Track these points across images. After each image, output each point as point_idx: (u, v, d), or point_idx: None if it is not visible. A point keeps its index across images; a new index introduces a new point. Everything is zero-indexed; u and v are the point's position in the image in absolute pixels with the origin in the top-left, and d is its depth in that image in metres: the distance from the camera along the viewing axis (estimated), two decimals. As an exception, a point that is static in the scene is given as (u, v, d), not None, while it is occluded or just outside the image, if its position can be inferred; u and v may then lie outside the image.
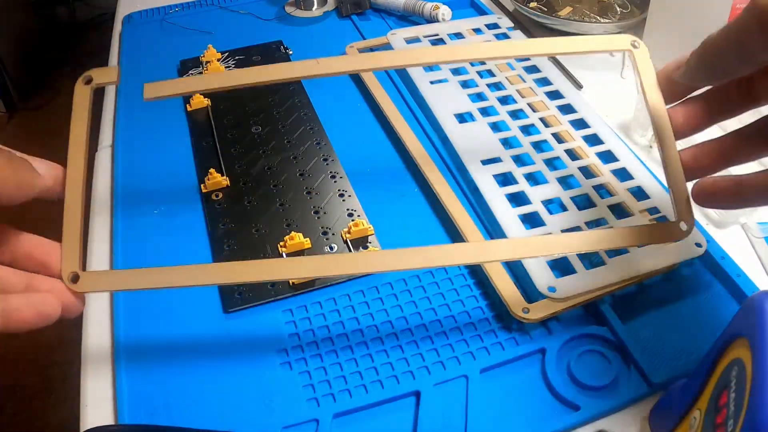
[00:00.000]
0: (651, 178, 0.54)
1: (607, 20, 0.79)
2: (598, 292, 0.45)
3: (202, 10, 0.86)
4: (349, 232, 0.51)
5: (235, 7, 0.86)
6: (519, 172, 0.55)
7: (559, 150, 0.57)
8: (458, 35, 0.74)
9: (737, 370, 0.30)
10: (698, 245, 0.47)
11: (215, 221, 0.54)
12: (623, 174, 0.55)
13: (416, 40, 0.73)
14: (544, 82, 0.66)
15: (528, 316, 0.44)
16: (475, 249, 0.39)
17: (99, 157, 0.64)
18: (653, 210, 0.51)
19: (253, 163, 0.60)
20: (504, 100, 0.64)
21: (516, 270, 0.48)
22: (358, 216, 0.54)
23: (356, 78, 0.71)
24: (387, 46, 0.73)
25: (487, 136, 0.59)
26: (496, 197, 0.52)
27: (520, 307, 0.44)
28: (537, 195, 0.53)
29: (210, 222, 0.54)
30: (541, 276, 0.46)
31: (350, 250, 0.50)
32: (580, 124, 0.60)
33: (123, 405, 0.41)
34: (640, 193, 0.53)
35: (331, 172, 0.58)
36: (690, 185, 0.41)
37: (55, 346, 1.30)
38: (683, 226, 0.41)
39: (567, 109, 0.62)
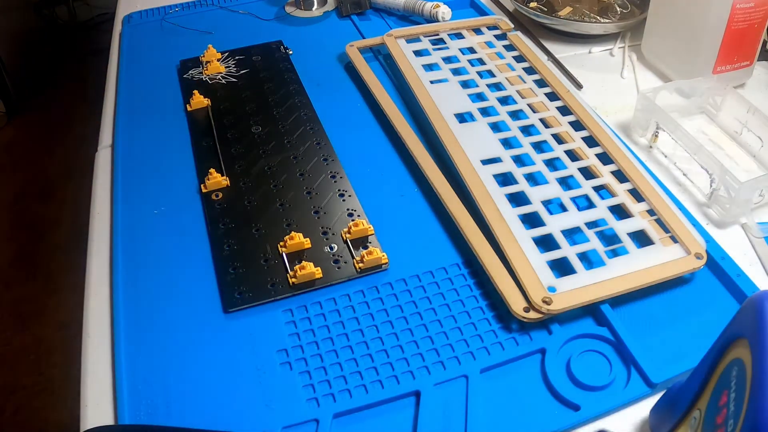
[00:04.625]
0: (651, 178, 0.54)
1: (607, 20, 0.79)
2: (605, 295, 0.45)
3: (202, 10, 0.86)
4: (349, 232, 0.51)
5: (235, 7, 0.86)
6: (519, 172, 0.55)
7: (558, 150, 0.57)
8: (458, 35, 0.74)
9: (737, 370, 0.30)
10: (698, 257, 0.47)
11: (215, 221, 0.54)
12: (623, 175, 0.55)
13: (416, 39, 0.73)
14: (544, 82, 0.66)
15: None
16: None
17: (99, 157, 0.64)
18: (652, 211, 0.51)
19: (253, 163, 0.59)
20: (504, 101, 0.64)
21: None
22: (358, 216, 0.54)
23: (356, 77, 0.71)
24: (384, 47, 0.73)
25: (487, 136, 0.59)
26: (496, 197, 0.52)
27: (520, 306, 0.44)
28: (537, 195, 0.53)
29: (210, 222, 0.54)
30: (542, 276, 0.46)
31: (350, 250, 0.50)
32: (579, 124, 0.60)
33: (123, 405, 0.41)
34: (640, 194, 0.53)
35: (331, 172, 0.58)
36: None
37: (55, 346, 1.30)
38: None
39: (567, 109, 0.62)
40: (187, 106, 0.67)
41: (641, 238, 0.50)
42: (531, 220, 0.51)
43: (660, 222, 0.51)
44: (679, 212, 0.51)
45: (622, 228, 0.50)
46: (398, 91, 0.68)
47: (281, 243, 0.51)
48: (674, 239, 0.49)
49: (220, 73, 0.72)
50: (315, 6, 0.85)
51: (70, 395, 1.23)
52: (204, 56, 0.74)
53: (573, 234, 0.50)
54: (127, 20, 0.85)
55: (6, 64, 1.98)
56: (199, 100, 0.67)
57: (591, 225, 0.50)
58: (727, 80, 0.65)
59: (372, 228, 0.52)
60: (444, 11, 0.78)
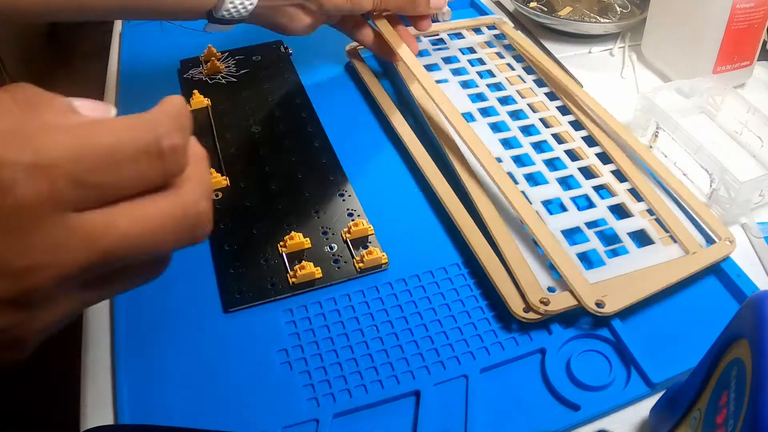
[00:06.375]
0: (651, 178, 0.54)
1: (607, 20, 0.79)
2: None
3: (202, 10, 0.86)
4: (349, 232, 0.51)
5: (235, 7, 0.86)
6: (519, 173, 0.55)
7: (558, 150, 0.57)
8: (458, 35, 0.74)
9: (737, 370, 0.30)
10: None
11: (215, 221, 0.53)
12: (623, 174, 0.55)
13: (416, 39, 0.73)
14: (544, 82, 0.66)
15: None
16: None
17: (99, 157, 0.64)
18: (652, 211, 0.51)
19: (253, 163, 0.59)
20: (504, 101, 0.64)
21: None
22: (358, 216, 0.54)
23: (356, 77, 0.71)
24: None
25: (487, 136, 0.59)
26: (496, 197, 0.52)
27: (520, 306, 0.44)
28: (537, 195, 0.53)
29: (210, 222, 0.53)
30: (540, 276, 0.46)
31: (350, 250, 0.50)
32: (579, 124, 0.60)
33: (123, 405, 0.41)
34: (639, 194, 0.53)
35: (331, 172, 0.58)
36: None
37: (55, 346, 1.30)
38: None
39: (566, 109, 0.62)
40: (187, 105, 0.67)
41: (641, 238, 0.50)
42: (531, 220, 0.51)
43: (659, 221, 0.51)
44: (679, 212, 0.51)
45: (623, 228, 0.50)
46: (399, 92, 0.68)
47: (281, 243, 0.51)
48: (673, 239, 0.49)
49: (220, 73, 0.72)
50: (315, 6, 0.85)
51: (70, 395, 1.23)
52: (204, 56, 0.74)
53: (573, 234, 0.50)
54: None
55: (6, 64, 1.98)
56: (199, 100, 0.67)
57: (591, 225, 0.50)
58: (727, 80, 0.65)
59: (372, 228, 0.52)
60: (444, 11, 0.78)
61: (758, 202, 0.54)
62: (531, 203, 0.52)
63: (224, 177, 0.57)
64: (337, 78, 0.72)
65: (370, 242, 0.51)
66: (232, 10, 0.56)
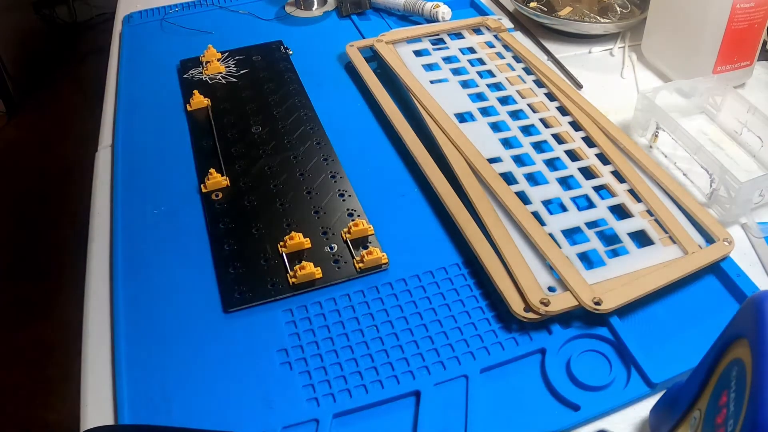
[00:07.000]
0: (650, 179, 0.54)
1: (607, 20, 0.79)
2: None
3: (202, 10, 0.86)
4: (349, 232, 0.51)
5: (235, 7, 0.86)
6: (519, 172, 0.55)
7: (558, 150, 0.57)
8: (458, 35, 0.74)
9: (737, 370, 0.30)
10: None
11: (215, 221, 0.54)
12: (622, 175, 0.55)
13: (416, 39, 0.73)
14: (544, 82, 0.66)
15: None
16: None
17: (99, 156, 0.64)
18: (651, 212, 0.51)
19: (253, 163, 0.59)
20: (504, 101, 0.64)
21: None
22: (358, 216, 0.54)
23: (356, 77, 0.71)
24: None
25: (487, 136, 0.59)
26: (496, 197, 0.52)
27: (521, 306, 0.44)
28: (537, 195, 0.53)
29: (210, 222, 0.54)
30: (540, 277, 0.46)
31: (350, 250, 0.50)
32: (579, 124, 0.60)
33: (123, 405, 0.41)
34: (639, 195, 0.53)
35: (331, 172, 0.58)
36: None
37: (56, 346, 1.30)
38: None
39: (567, 109, 0.62)
40: (187, 106, 0.67)
41: (641, 238, 0.50)
42: (531, 220, 0.51)
43: (659, 222, 0.51)
44: (678, 212, 0.51)
45: (623, 228, 0.50)
46: (398, 91, 0.68)
47: (281, 243, 0.51)
48: (672, 239, 0.49)
49: (220, 73, 0.72)
50: (315, 6, 0.85)
51: (70, 395, 1.23)
52: (204, 56, 0.74)
53: (573, 234, 0.50)
54: (127, 20, 0.85)
55: (6, 64, 1.98)
56: (199, 100, 0.67)
57: (591, 225, 0.50)
58: (727, 80, 0.65)
59: (372, 228, 0.52)
60: (444, 11, 0.78)
61: (758, 202, 0.54)
62: (531, 203, 0.52)
63: (224, 177, 0.57)
64: (337, 78, 0.72)
65: (370, 242, 0.51)
66: None
